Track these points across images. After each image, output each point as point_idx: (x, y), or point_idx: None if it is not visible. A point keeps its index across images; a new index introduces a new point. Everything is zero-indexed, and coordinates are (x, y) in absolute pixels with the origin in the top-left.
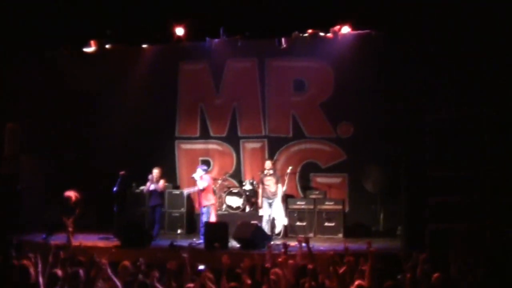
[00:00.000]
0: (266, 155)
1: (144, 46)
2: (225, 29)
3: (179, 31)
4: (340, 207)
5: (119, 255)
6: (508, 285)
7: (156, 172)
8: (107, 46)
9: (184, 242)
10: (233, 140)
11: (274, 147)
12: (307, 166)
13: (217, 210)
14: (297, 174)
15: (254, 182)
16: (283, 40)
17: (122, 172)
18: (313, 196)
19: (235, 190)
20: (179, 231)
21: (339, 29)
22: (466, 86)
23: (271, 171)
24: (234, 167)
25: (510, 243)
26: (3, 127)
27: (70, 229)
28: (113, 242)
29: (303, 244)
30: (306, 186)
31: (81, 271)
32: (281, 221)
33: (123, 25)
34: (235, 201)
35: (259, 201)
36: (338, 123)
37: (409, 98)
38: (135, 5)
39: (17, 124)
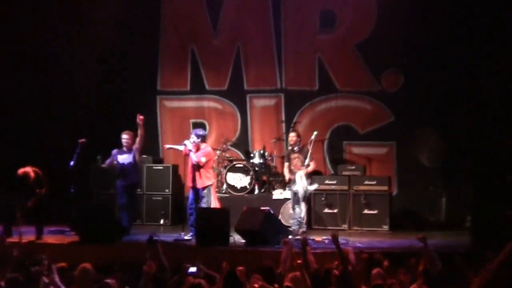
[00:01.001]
0: (283, 116)
1: None
2: None
3: None
4: (385, 188)
5: (77, 254)
6: None
7: (126, 137)
8: None
9: (169, 237)
10: (237, 95)
11: (293, 104)
12: (339, 132)
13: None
14: (325, 143)
15: (266, 154)
16: None
17: (81, 140)
18: (347, 173)
19: (239, 165)
20: (162, 222)
21: None
22: None
23: (296, 147)
24: (238, 133)
25: None
26: None
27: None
28: (70, 236)
29: (326, 241)
30: (337, 159)
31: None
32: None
33: None
34: (240, 180)
35: (286, 177)
36: (383, 71)
37: (483, 38)
38: None
39: None
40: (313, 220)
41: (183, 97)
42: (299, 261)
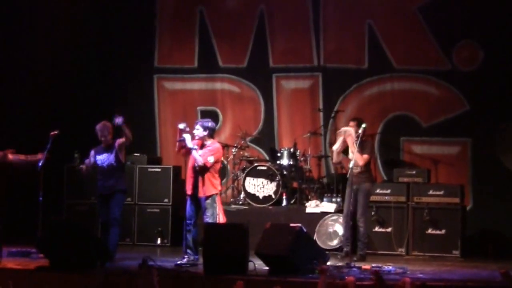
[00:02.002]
0: (321, 103)
1: None
2: None
3: None
4: (456, 200)
5: (46, 283)
6: None
7: (103, 127)
8: None
9: (168, 262)
10: (259, 74)
11: (334, 87)
12: (396, 124)
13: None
14: (377, 139)
15: (298, 153)
16: None
17: (53, 132)
18: (406, 180)
19: (262, 167)
20: (159, 241)
21: None
22: None
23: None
24: (260, 125)
25: None
26: None
27: None
28: (36, 260)
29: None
30: (393, 160)
31: None
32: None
33: None
34: (263, 187)
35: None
36: (454, 43)
37: None
38: None
39: None
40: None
41: (188, 76)
42: None
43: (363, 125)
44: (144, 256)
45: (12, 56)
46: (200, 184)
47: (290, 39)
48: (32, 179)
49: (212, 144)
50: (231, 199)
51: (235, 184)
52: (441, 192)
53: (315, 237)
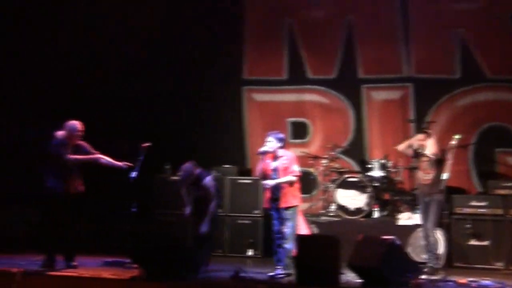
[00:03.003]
0: (412, 113)
1: None
2: None
3: None
4: None
5: None
6: None
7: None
8: None
9: (260, 274)
10: (348, 86)
11: (425, 98)
12: (490, 135)
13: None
14: (471, 150)
15: (389, 164)
16: None
17: (145, 144)
18: (502, 192)
19: (353, 179)
20: (250, 253)
21: None
22: None
23: (427, 150)
24: (350, 136)
25: None
26: None
27: None
28: (130, 271)
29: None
30: (488, 172)
31: None
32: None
33: None
34: (354, 199)
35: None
36: None
37: None
38: None
39: None
40: (454, 255)
41: (277, 88)
42: None
43: (457, 136)
44: (236, 268)
45: (106, 67)
46: (282, 196)
47: (378, 49)
48: (124, 190)
49: (285, 154)
50: (322, 211)
51: (326, 195)
52: None
53: (408, 249)
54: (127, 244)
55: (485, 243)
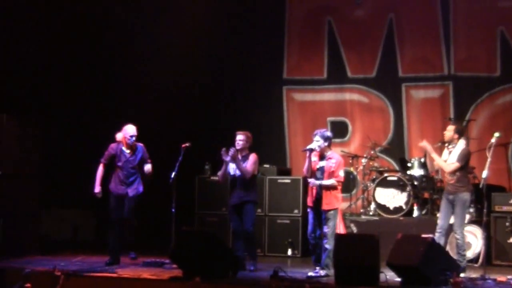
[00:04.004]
0: (451, 112)
1: None
2: None
3: None
4: None
5: None
6: None
7: (241, 138)
8: None
9: (299, 273)
10: (388, 84)
11: (465, 96)
12: None
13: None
14: (510, 148)
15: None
16: None
17: (185, 145)
18: None
19: (392, 178)
20: (289, 252)
21: None
22: None
23: (454, 144)
24: (390, 135)
25: None
26: None
27: None
28: (170, 271)
29: None
30: None
31: None
32: (475, 238)
33: None
34: (393, 197)
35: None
36: None
37: None
38: None
39: None
40: (494, 253)
41: (318, 87)
42: None
43: (496, 134)
44: (275, 267)
45: (145, 68)
46: (324, 197)
47: (419, 48)
48: (164, 190)
49: (333, 156)
50: (361, 210)
51: (365, 194)
52: None
53: (448, 248)
54: (166, 244)
55: None
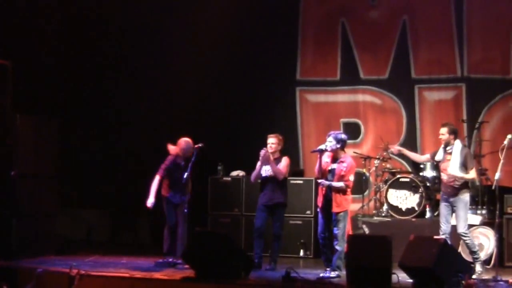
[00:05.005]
0: (464, 114)
1: None
2: None
3: None
4: None
5: None
6: None
7: (273, 141)
8: None
9: (311, 274)
10: (401, 86)
11: (478, 98)
12: None
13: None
14: None
15: None
16: None
17: (198, 145)
18: None
19: (405, 179)
20: (301, 253)
21: None
22: None
23: (451, 146)
24: (403, 137)
25: None
26: None
27: None
28: (182, 271)
29: None
30: None
31: None
32: (488, 240)
33: None
34: (406, 199)
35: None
36: None
37: None
38: None
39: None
40: (506, 255)
41: (331, 89)
42: None
43: (509, 136)
44: (287, 268)
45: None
46: (334, 200)
47: (433, 50)
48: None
49: (346, 159)
50: (374, 211)
51: (378, 196)
52: None
53: (460, 249)
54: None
55: None
